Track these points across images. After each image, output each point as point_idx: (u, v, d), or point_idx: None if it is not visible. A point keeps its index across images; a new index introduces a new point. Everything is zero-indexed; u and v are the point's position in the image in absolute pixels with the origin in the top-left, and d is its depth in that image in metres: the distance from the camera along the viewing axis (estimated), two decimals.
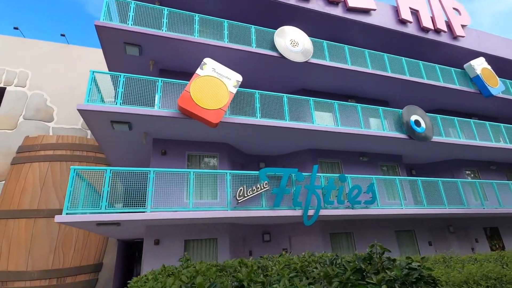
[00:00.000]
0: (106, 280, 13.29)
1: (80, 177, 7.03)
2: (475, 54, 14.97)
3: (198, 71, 8.26)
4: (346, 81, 12.00)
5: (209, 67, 8.40)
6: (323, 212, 8.35)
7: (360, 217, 9.79)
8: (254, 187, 7.73)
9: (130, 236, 10.94)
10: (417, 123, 11.00)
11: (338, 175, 8.93)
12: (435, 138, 11.22)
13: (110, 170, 6.97)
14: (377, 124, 11.00)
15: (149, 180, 7.17)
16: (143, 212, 6.86)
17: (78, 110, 7.19)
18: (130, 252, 15.34)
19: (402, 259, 4.06)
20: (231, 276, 3.91)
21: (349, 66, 11.34)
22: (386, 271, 3.54)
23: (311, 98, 9.86)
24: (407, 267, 3.70)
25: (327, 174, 9.19)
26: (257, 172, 8.07)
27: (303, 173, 8.51)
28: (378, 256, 4.02)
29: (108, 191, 6.73)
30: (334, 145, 11.07)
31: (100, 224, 6.95)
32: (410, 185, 11.04)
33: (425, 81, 12.72)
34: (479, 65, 14.03)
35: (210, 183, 8.46)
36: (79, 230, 12.23)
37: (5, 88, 15.20)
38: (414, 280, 3.50)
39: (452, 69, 13.89)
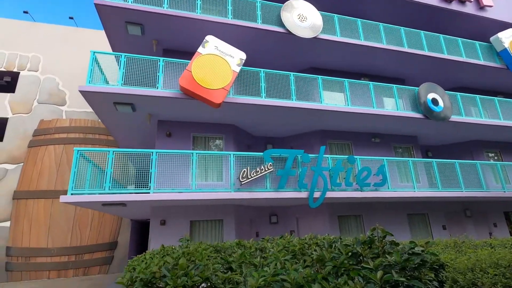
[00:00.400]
0: (121, 257, 13.85)
1: (86, 158, 7.10)
2: (504, 26, 13.70)
3: (200, 49, 7.97)
4: (358, 58, 11.33)
5: (211, 45, 8.08)
6: (330, 194, 8.11)
7: (370, 199, 9.49)
8: (258, 169, 7.57)
9: (140, 217, 11.19)
10: (434, 101, 10.32)
11: (346, 156, 8.59)
12: (454, 118, 10.54)
13: (113, 151, 6.98)
14: (391, 104, 10.42)
15: (152, 162, 7.14)
16: (146, 193, 6.88)
17: (80, 91, 7.14)
18: (143, 231, 15.83)
19: (407, 243, 3.81)
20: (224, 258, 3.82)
21: (362, 42, 10.66)
22: (387, 256, 3.32)
23: (319, 77, 9.39)
24: (410, 252, 3.46)
25: (335, 155, 8.87)
26: (262, 153, 7.87)
27: (310, 155, 8.23)
28: (379, 240, 3.79)
29: (111, 172, 6.76)
30: (344, 126, 10.64)
31: (105, 204, 7.05)
32: (425, 167, 10.55)
33: (446, 56, 11.83)
34: (507, 38, 12.86)
35: (215, 164, 8.37)
36: (94, 210, 12.62)
37: (19, 73, 15.51)
38: (416, 265, 3.27)
39: (477, 42, 12.82)
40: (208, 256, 3.31)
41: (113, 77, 8.47)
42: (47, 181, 13.77)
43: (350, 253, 3.23)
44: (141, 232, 15.01)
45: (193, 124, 9.41)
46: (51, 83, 15.81)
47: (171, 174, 7.46)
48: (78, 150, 6.76)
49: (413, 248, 3.48)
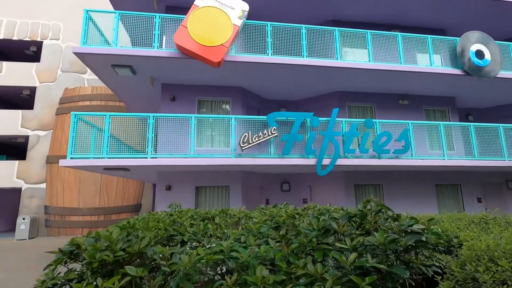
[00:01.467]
0: None
1: (87, 123, 7.04)
2: None
3: (197, 1, 7.19)
4: (388, 4, 9.66)
5: None
6: (342, 161, 7.37)
7: (391, 168, 8.57)
8: (260, 133, 6.99)
9: (153, 181, 11.40)
10: (479, 54, 8.63)
11: (363, 120, 7.64)
12: (503, 74, 8.80)
13: (110, 115, 6.80)
14: (426, 60, 8.91)
15: (149, 126, 6.88)
16: (144, 158, 6.72)
17: (74, 53, 6.89)
18: None
19: (406, 219, 3.16)
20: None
21: None
22: (375, 233, 2.70)
23: (336, 29, 8.18)
24: (407, 230, 2.81)
25: (350, 119, 7.93)
26: (265, 117, 7.22)
27: (320, 118, 7.42)
28: (372, 214, 3.17)
29: (108, 136, 6.64)
30: (366, 86, 9.45)
31: (107, 168, 7.06)
32: (462, 133, 9.18)
33: None
34: None
35: (219, 129, 7.93)
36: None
37: (42, 42, 15.90)
38: (410, 246, 2.64)
39: None
40: (166, 227, 2.95)
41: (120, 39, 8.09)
42: None
43: (324, 229, 2.66)
44: None
45: (198, 87, 8.91)
46: (72, 51, 16.03)
47: (172, 139, 7.19)
48: (75, 115, 6.67)
49: (411, 225, 2.81)
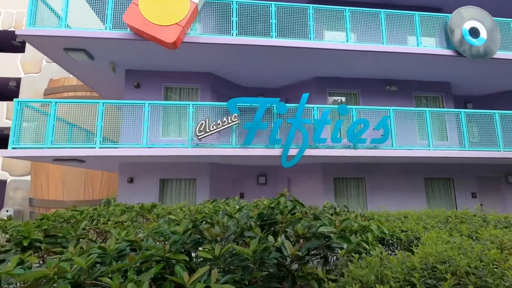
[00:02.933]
0: None
1: (36, 110, 6.59)
2: None
3: None
4: None
5: None
6: (311, 152, 6.68)
7: (373, 160, 7.84)
8: (219, 121, 6.38)
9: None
10: (473, 32, 7.69)
11: (336, 106, 6.91)
12: (502, 54, 7.84)
13: (56, 102, 6.32)
14: (413, 39, 8.03)
15: (99, 113, 6.36)
16: (92, 148, 6.23)
17: (19, 35, 6.40)
18: None
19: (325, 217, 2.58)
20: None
21: None
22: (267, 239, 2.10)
23: (310, 5, 7.39)
24: (308, 234, 2.21)
25: (322, 105, 7.20)
26: (225, 103, 6.59)
27: (288, 104, 6.74)
28: (284, 212, 2.57)
29: (53, 125, 6.16)
30: (349, 71, 8.65)
31: (57, 159, 6.62)
32: (456, 122, 8.29)
33: None
34: None
35: (178, 118, 7.35)
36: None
37: None
38: (308, 255, 2.03)
39: None
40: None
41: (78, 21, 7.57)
42: None
43: (189, 232, 2.04)
44: None
45: (164, 73, 8.33)
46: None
47: (133, 128, 6.68)
48: (19, 102, 6.22)
49: (310, 226, 2.19)
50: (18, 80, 15.23)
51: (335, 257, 2.45)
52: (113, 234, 2.03)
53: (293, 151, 6.60)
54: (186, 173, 7.89)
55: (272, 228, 2.64)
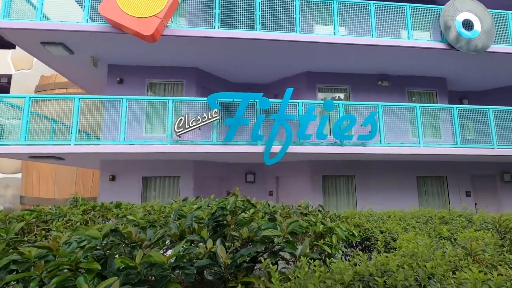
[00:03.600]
0: None
1: (14, 106, 6.40)
2: None
3: None
4: None
5: None
6: (296, 149, 6.44)
7: (363, 157, 7.58)
8: (199, 117, 6.15)
9: None
10: (467, 24, 7.39)
11: (322, 101, 6.65)
12: (496, 47, 7.53)
13: (30, 97, 6.12)
14: (405, 32, 7.73)
15: (74, 109, 6.15)
16: (67, 145, 6.02)
17: None
18: None
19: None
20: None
21: None
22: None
23: None
24: (255, 238, 1.98)
25: (307, 100, 6.94)
26: (205, 98, 6.36)
27: (271, 100, 6.49)
28: (236, 211, 2.35)
29: (27, 121, 5.97)
30: (339, 66, 8.38)
31: (33, 157, 6.42)
32: (450, 117, 7.99)
33: None
34: None
35: (161, 114, 7.12)
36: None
37: None
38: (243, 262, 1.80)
39: None
40: None
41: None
42: None
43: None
44: None
45: (148, 68, 8.11)
46: None
47: (108, 124, 6.47)
48: None
49: (263, 230, 1.96)
50: (9, 77, 15.07)
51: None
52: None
53: (276, 148, 6.36)
54: (170, 170, 7.68)
55: (224, 230, 2.42)
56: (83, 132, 6.44)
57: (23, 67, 15.10)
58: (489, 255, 1.95)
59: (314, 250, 2.68)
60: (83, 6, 6.51)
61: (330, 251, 2.53)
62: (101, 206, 3.62)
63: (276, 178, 8.89)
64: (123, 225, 3.54)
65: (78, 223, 3.49)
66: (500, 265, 1.82)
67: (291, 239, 1.96)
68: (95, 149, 6.07)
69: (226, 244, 2.26)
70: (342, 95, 8.77)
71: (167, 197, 7.64)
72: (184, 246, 1.69)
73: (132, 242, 1.78)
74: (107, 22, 6.34)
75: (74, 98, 6.17)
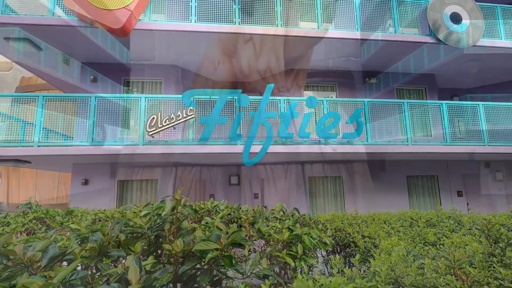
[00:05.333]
0: None
1: None
2: None
3: None
4: None
5: None
6: (276, 148, 6.07)
7: (350, 156, 7.24)
8: (172, 115, 5.75)
9: None
10: (455, 17, 7.12)
11: (305, 98, 6.31)
12: (487, 41, 7.28)
13: None
14: (393, 27, 7.45)
15: (38, 107, 5.71)
16: (30, 146, 5.57)
17: None
18: None
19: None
20: None
21: None
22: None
23: None
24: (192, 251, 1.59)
25: (290, 97, 6.59)
26: (180, 95, 5.97)
27: (250, 97, 6.13)
28: (174, 219, 1.97)
29: None
30: (325, 63, 8.05)
31: None
32: (440, 113, 7.70)
33: None
34: None
35: (136, 113, 6.70)
36: None
37: None
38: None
39: None
40: None
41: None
42: None
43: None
44: None
45: (125, 66, 7.69)
46: None
47: (78, 124, 6.04)
48: None
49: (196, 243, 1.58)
50: None
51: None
52: None
53: (256, 148, 5.99)
54: (147, 173, 7.27)
55: (160, 240, 2.04)
56: (58, 133, 6.01)
57: (2, 69, 14.55)
58: (475, 269, 1.59)
59: (274, 262, 2.31)
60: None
61: (294, 264, 2.16)
62: (45, 214, 3.20)
63: (261, 180, 8.50)
64: (68, 235, 3.11)
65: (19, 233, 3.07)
66: (488, 283, 1.45)
67: (229, 253, 1.57)
68: (60, 151, 5.63)
69: (162, 260, 1.88)
70: (329, 93, 8.45)
71: (144, 200, 7.20)
72: (77, 267, 1.30)
73: (18, 263, 1.38)
74: (74, 15, 5.93)
75: (38, 96, 5.73)
